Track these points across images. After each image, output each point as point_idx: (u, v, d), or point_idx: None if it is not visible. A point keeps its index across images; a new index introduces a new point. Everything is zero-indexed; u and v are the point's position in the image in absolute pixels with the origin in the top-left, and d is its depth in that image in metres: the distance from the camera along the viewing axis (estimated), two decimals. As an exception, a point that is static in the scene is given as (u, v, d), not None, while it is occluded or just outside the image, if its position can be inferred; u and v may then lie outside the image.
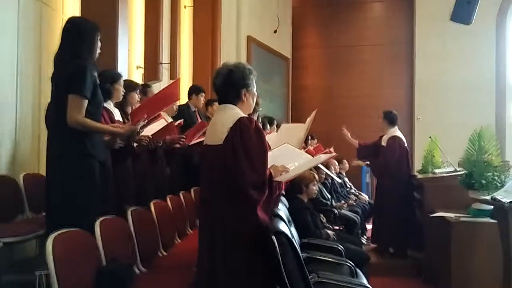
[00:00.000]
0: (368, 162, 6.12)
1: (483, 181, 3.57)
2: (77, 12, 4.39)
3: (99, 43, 2.80)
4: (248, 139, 2.25)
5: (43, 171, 3.28)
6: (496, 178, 3.56)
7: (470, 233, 3.69)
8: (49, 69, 2.80)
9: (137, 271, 2.86)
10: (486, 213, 3.67)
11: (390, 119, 5.57)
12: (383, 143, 5.57)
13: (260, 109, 3.42)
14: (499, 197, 3.00)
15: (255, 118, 3.19)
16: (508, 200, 2.90)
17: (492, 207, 3.47)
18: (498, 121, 9.49)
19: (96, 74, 2.86)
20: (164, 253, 3.34)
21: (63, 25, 2.82)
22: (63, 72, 2.64)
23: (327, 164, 5.93)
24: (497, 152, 3.75)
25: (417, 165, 6.12)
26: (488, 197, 3.21)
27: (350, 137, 5.90)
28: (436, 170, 5.22)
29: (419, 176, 5.43)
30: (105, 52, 3.15)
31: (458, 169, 4.76)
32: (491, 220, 3.55)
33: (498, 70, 9.76)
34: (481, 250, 3.64)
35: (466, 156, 3.86)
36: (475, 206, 3.77)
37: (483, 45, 9.66)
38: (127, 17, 4.81)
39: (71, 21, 2.82)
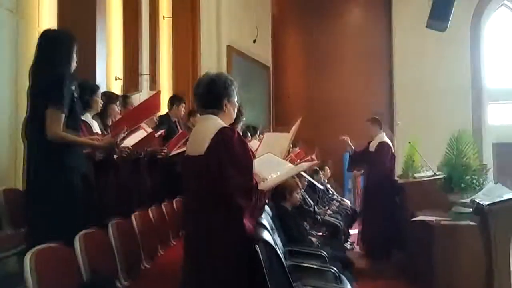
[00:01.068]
0: (363, 171, 6.15)
1: (462, 184, 3.65)
2: (53, 24, 4.34)
3: (75, 55, 2.77)
4: (231, 148, 2.25)
5: (20, 185, 3.23)
6: (474, 181, 3.64)
7: (451, 235, 3.74)
8: (25, 82, 2.76)
9: (119, 285, 2.82)
10: (466, 216, 3.72)
11: (379, 124, 5.69)
12: (371, 148, 5.65)
13: (244, 118, 3.43)
14: (478, 200, 3.05)
15: (238, 127, 3.20)
16: (487, 202, 2.95)
17: (471, 209, 3.52)
18: (474, 124, 9.71)
19: (74, 86, 2.84)
20: (147, 266, 3.30)
21: (39, 37, 2.79)
22: (39, 85, 2.61)
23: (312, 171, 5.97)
24: (475, 155, 3.82)
25: (398, 169, 6.19)
26: (467, 200, 3.27)
27: (349, 143, 5.89)
28: (416, 175, 5.29)
29: (400, 180, 5.50)
30: (83, 63, 3.12)
31: (437, 173, 4.84)
32: (471, 223, 3.61)
33: (474, 74, 10.01)
34: (462, 252, 3.69)
35: (445, 159, 3.93)
36: (455, 209, 3.84)
37: (458, 50, 9.89)
38: (105, 28, 4.78)
39: (46, 34, 2.79)
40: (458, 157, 3.77)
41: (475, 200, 3.08)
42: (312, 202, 5.80)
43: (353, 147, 5.96)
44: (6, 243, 3.01)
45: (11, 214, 3.35)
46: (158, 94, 3.47)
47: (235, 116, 2.57)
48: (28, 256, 2.01)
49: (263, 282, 2.12)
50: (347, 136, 5.89)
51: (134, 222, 3.31)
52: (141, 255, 3.27)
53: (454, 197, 3.68)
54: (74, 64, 2.78)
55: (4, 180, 3.63)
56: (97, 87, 3.43)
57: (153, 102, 3.46)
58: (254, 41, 9.37)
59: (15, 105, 3.78)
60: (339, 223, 5.90)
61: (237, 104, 2.54)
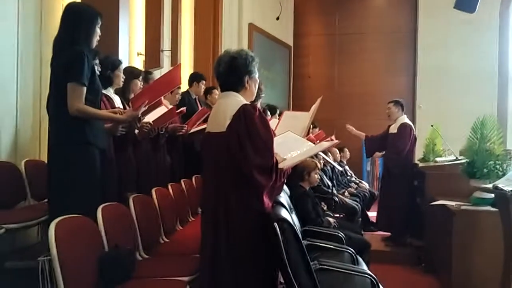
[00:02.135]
0: (383, 152, 6.07)
1: (485, 170, 3.57)
2: (77, -2, 4.34)
3: (98, 30, 2.77)
4: (252, 125, 2.24)
5: (44, 158, 3.29)
6: (498, 166, 3.56)
7: (471, 221, 3.68)
8: (49, 55, 2.78)
9: (139, 257, 2.87)
10: (488, 202, 3.66)
11: (402, 106, 5.61)
12: (393, 131, 5.58)
13: (263, 95, 3.41)
14: (501, 186, 2.98)
15: (258, 104, 3.18)
16: (510, 189, 2.89)
17: (493, 195, 3.46)
18: (499, 110, 9.47)
19: (96, 61, 2.84)
20: (166, 240, 3.36)
21: (63, 10, 2.80)
22: (61, 58, 2.62)
23: (325, 151, 5.93)
24: (499, 140, 3.73)
25: (418, 153, 6.10)
26: (489, 186, 3.20)
27: (355, 131, 5.89)
28: (438, 159, 5.22)
29: (421, 164, 5.43)
30: (106, 39, 3.12)
31: (459, 158, 4.76)
32: (493, 209, 3.55)
33: (501, 59, 9.72)
34: (482, 239, 3.64)
35: (468, 144, 3.84)
36: (476, 194, 3.76)
37: (486, 34, 9.60)
38: (128, 3, 4.76)
39: (71, 7, 2.79)
40: (482, 141, 3.68)
41: (498, 185, 3.01)
42: (330, 183, 5.79)
43: (362, 133, 5.91)
44: (29, 213, 3.08)
45: (34, 185, 3.43)
46: (178, 67, 3.43)
47: (256, 93, 2.55)
48: (52, 226, 2.06)
49: (281, 260, 2.13)
50: (351, 126, 5.86)
51: (154, 197, 3.36)
52: (160, 230, 3.32)
53: (476, 182, 3.61)
54: (96, 40, 2.78)
55: (29, 152, 3.70)
56: (119, 62, 3.43)
57: (173, 75, 3.44)
58: (278, 18, 9.25)
59: (39, 77, 3.83)
60: (357, 205, 5.89)
61: (258, 80, 2.52)
